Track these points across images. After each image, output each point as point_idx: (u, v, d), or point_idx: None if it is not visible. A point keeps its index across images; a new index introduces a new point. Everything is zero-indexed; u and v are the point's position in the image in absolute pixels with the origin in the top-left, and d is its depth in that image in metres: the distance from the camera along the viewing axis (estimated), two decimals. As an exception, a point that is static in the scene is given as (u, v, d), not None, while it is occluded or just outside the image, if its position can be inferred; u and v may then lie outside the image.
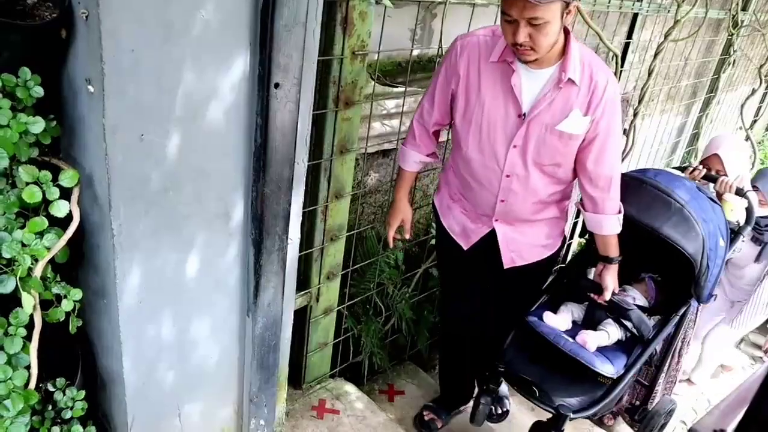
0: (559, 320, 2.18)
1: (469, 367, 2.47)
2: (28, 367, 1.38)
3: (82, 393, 1.55)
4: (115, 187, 1.30)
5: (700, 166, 2.69)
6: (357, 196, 2.47)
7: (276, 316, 1.74)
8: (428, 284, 2.82)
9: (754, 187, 2.88)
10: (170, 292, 1.52)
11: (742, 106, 4.61)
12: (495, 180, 1.91)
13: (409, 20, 2.38)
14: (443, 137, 2.20)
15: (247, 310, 1.70)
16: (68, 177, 1.35)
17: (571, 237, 3.62)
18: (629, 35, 3.28)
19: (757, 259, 2.93)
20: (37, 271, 1.33)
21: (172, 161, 1.36)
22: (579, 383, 2.11)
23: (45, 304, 1.40)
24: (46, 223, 1.34)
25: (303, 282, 2.23)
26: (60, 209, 1.34)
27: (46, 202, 1.33)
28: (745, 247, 2.84)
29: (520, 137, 1.82)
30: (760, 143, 5.61)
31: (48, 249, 1.34)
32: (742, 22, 3.99)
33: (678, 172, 2.44)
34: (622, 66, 3.05)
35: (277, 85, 1.39)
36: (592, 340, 2.08)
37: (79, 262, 1.53)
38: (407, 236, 2.20)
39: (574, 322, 2.23)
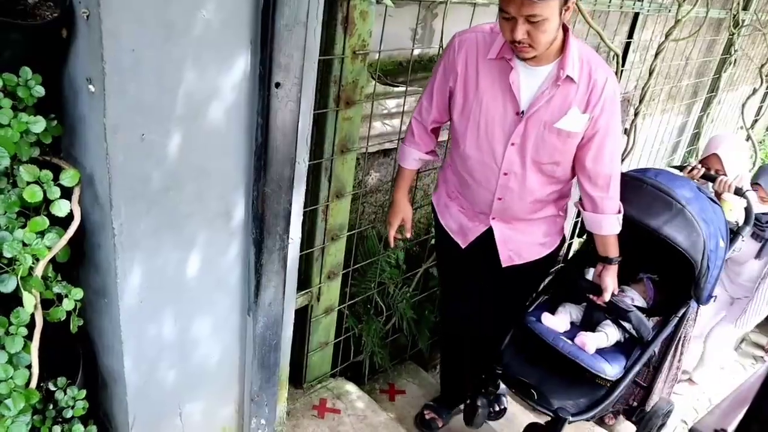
0: (557, 321, 2.17)
1: (468, 366, 2.47)
2: (29, 367, 1.38)
3: (83, 392, 1.55)
4: (116, 187, 1.30)
5: (699, 166, 2.68)
6: (358, 196, 2.48)
7: (277, 315, 1.74)
8: (429, 284, 2.82)
9: (756, 184, 2.88)
10: (171, 291, 1.52)
11: (743, 105, 4.61)
12: (492, 178, 1.91)
13: (410, 20, 2.38)
14: (443, 137, 2.20)
15: (248, 310, 1.71)
16: (69, 176, 1.36)
17: (572, 237, 3.62)
18: (630, 35, 3.29)
19: (758, 255, 2.92)
20: (38, 271, 1.33)
21: (173, 160, 1.36)
22: (578, 385, 2.11)
23: (46, 304, 1.40)
24: (47, 222, 1.34)
25: (304, 281, 2.23)
26: (61, 209, 1.34)
27: (47, 202, 1.33)
28: (745, 243, 2.84)
29: (518, 135, 1.81)
30: (761, 143, 5.61)
31: (49, 248, 1.34)
32: (743, 21, 3.99)
33: (677, 172, 2.44)
34: (623, 65, 3.05)
35: (278, 85, 1.39)
36: (591, 342, 2.07)
37: (80, 262, 1.53)
38: (408, 236, 2.20)
39: (572, 323, 2.22)
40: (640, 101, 3.14)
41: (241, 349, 1.79)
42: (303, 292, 2.21)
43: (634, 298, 2.28)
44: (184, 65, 1.28)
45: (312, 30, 1.47)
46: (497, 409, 2.70)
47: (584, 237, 2.40)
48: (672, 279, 2.29)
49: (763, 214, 2.83)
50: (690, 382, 3.52)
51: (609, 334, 2.13)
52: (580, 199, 2.01)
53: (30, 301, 1.31)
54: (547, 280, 2.37)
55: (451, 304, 2.34)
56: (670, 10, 3.26)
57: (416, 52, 2.50)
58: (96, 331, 1.64)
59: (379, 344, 2.65)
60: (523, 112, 1.78)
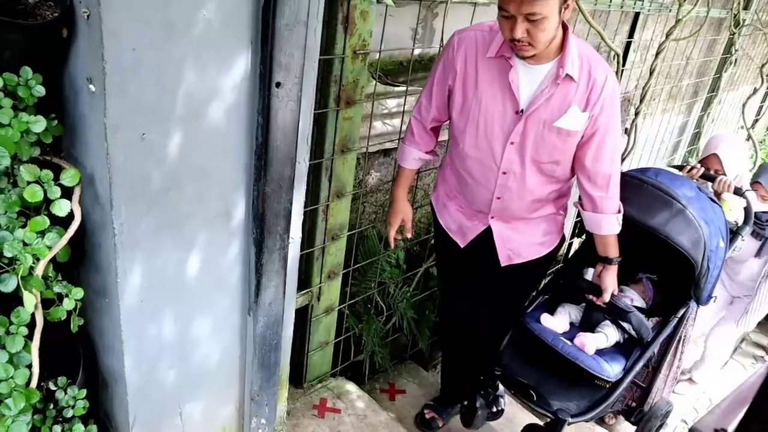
0: (556, 322, 2.16)
1: (468, 366, 2.47)
2: (29, 366, 1.38)
3: (84, 392, 1.55)
4: (117, 186, 1.30)
5: (698, 165, 2.68)
6: (358, 196, 2.48)
7: (277, 315, 1.74)
8: (429, 283, 2.82)
9: (756, 183, 2.88)
10: (171, 291, 1.52)
11: (744, 105, 4.61)
12: (491, 177, 1.91)
13: (410, 19, 2.38)
14: (443, 136, 2.20)
15: (249, 309, 1.71)
16: (69, 176, 1.36)
17: (572, 236, 3.62)
18: (631, 34, 3.29)
19: (758, 254, 2.92)
20: (39, 270, 1.33)
21: (173, 160, 1.36)
22: (577, 387, 2.10)
23: (46, 303, 1.40)
24: (48, 222, 1.34)
25: (304, 281, 2.23)
26: (61, 208, 1.34)
27: (47, 201, 1.33)
28: (745, 242, 2.84)
29: (517, 134, 1.81)
30: (761, 143, 5.61)
31: (49, 248, 1.34)
32: (744, 21, 3.99)
33: (677, 171, 2.43)
34: (623, 65, 3.05)
35: (278, 84, 1.39)
36: (590, 342, 2.07)
37: (80, 261, 1.54)
38: (408, 235, 2.20)
39: (571, 324, 2.21)
40: (641, 101, 3.14)
41: (241, 348, 1.79)
42: (303, 291, 2.21)
43: (634, 299, 2.27)
44: (184, 65, 1.28)
45: (312, 29, 1.47)
46: (495, 410, 2.69)
47: (583, 237, 2.40)
48: (672, 279, 2.29)
49: (763, 212, 2.83)
50: (690, 381, 3.52)
51: (608, 334, 2.13)
52: (580, 198, 2.01)
53: (30, 300, 1.31)
54: (546, 281, 2.37)
55: (450, 304, 2.34)
56: (670, 10, 3.26)
57: (417, 51, 2.50)
58: (96, 331, 1.64)
59: (380, 344, 2.65)
60: (522, 110, 1.78)
